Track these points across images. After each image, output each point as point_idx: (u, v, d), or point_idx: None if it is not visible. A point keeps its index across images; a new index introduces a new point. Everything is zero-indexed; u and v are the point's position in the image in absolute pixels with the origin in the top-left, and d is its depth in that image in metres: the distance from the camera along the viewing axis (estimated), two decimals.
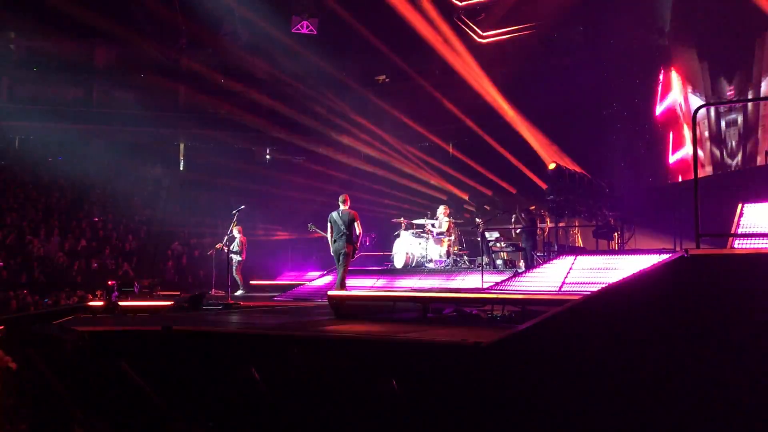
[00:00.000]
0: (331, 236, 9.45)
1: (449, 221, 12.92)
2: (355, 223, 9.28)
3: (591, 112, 17.70)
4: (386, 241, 16.39)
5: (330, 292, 7.82)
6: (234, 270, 14.51)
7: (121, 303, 9.38)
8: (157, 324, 6.06)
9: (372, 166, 22.28)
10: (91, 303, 9.60)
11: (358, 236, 9.31)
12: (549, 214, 12.58)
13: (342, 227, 9.29)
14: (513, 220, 12.44)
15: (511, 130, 18.43)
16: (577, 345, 4.39)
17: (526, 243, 11.81)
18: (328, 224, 9.52)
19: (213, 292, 14.80)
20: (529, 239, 11.66)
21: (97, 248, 18.02)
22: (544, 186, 17.65)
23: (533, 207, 12.40)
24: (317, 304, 10.86)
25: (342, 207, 9.50)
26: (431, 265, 12.63)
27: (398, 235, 13.29)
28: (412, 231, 13.10)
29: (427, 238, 12.79)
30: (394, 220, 13.77)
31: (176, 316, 8.13)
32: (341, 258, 9.36)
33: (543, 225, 12.25)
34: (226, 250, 12.00)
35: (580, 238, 14.22)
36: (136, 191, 21.76)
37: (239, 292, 14.14)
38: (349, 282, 10.06)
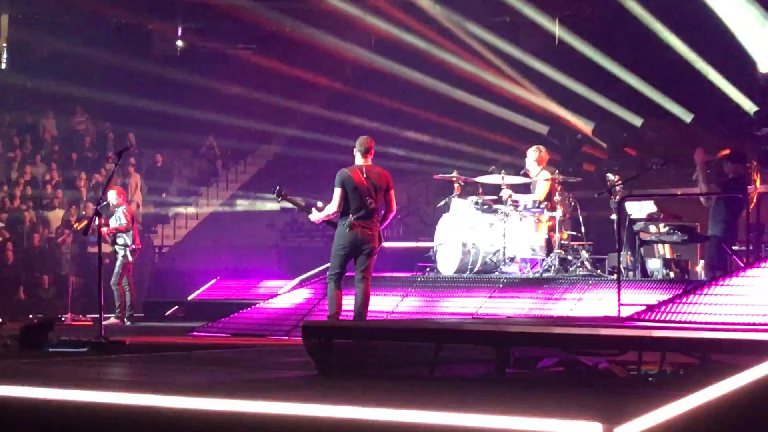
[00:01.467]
0: (341, 212, 9.90)
1: (551, 179, 12.95)
2: (392, 194, 9.97)
3: None
4: (420, 219, 16.39)
5: (308, 322, 7.89)
6: (117, 275, 14.72)
7: None
8: None
9: (391, 63, 22.23)
10: None
11: (390, 217, 10.11)
12: (759, 164, 12.49)
13: (369, 200, 9.82)
14: (695, 177, 12.36)
15: None
16: None
17: (714, 225, 11.75)
18: (339, 189, 9.87)
19: (69, 319, 15.04)
20: (721, 218, 11.60)
21: None
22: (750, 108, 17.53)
23: (726, 151, 12.30)
24: (281, 344, 10.96)
25: (364, 161, 10.02)
26: (513, 270, 12.71)
27: (446, 208, 13.35)
28: (474, 199, 13.19)
29: (507, 215, 12.87)
30: (439, 176, 13.82)
31: None
32: (361, 257, 9.91)
33: (749, 188, 12.21)
34: (102, 232, 12.05)
35: None
36: None
37: (112, 320, 14.34)
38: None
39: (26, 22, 24.51)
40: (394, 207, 10.01)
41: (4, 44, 24.97)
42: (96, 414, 5.66)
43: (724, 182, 11.95)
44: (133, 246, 14.71)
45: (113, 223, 14.55)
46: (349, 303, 10.14)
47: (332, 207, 9.99)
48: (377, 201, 9.85)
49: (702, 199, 12.19)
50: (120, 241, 14.59)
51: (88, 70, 22.54)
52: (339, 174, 9.92)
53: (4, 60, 25.01)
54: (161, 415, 5.52)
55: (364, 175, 9.83)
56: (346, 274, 10.13)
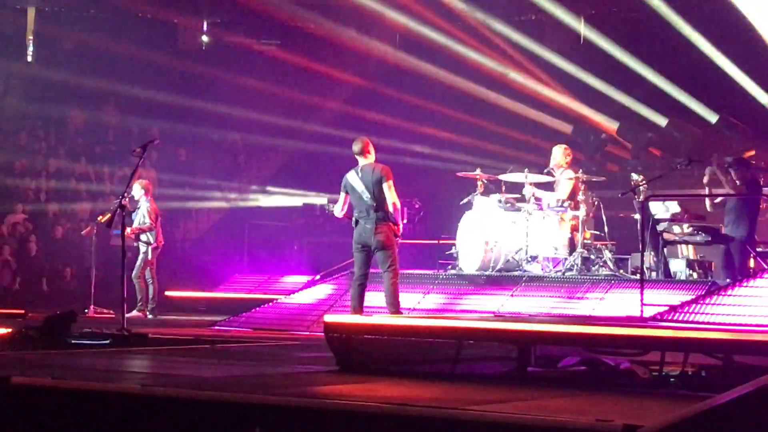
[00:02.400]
0: (344, 211, 10.37)
1: (575, 178, 12.93)
2: (386, 186, 10.08)
3: None
4: (442, 216, 16.35)
5: (329, 318, 7.92)
6: (138, 269, 14.80)
7: None
8: None
9: (416, 60, 22.22)
10: None
11: (398, 211, 10.21)
12: None
13: (367, 196, 10.12)
14: (705, 182, 12.37)
15: None
16: None
17: (734, 227, 11.73)
18: (342, 193, 10.39)
19: (91, 311, 15.11)
20: (743, 220, 11.59)
21: None
22: None
23: (751, 152, 12.31)
24: (302, 339, 11.01)
25: (363, 161, 10.34)
26: (535, 269, 12.69)
27: (469, 206, 13.36)
28: (498, 197, 13.20)
29: (529, 214, 12.86)
30: (462, 174, 13.81)
31: (19, 358, 8.29)
32: (376, 253, 10.18)
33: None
34: (127, 233, 12.09)
35: None
36: None
37: (134, 313, 14.38)
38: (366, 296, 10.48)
39: (53, 16, 24.62)
40: (392, 198, 10.09)
41: (31, 37, 25.07)
42: (115, 404, 5.70)
43: (741, 186, 11.96)
44: (155, 244, 14.79)
45: (137, 220, 14.60)
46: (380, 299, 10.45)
47: (338, 209, 10.46)
48: (376, 196, 10.05)
49: (708, 206, 12.25)
50: (143, 237, 14.68)
51: (113, 64, 22.60)
52: (343, 179, 10.36)
53: (31, 53, 25.13)
54: (182, 407, 5.56)
55: (359, 174, 10.18)
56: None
